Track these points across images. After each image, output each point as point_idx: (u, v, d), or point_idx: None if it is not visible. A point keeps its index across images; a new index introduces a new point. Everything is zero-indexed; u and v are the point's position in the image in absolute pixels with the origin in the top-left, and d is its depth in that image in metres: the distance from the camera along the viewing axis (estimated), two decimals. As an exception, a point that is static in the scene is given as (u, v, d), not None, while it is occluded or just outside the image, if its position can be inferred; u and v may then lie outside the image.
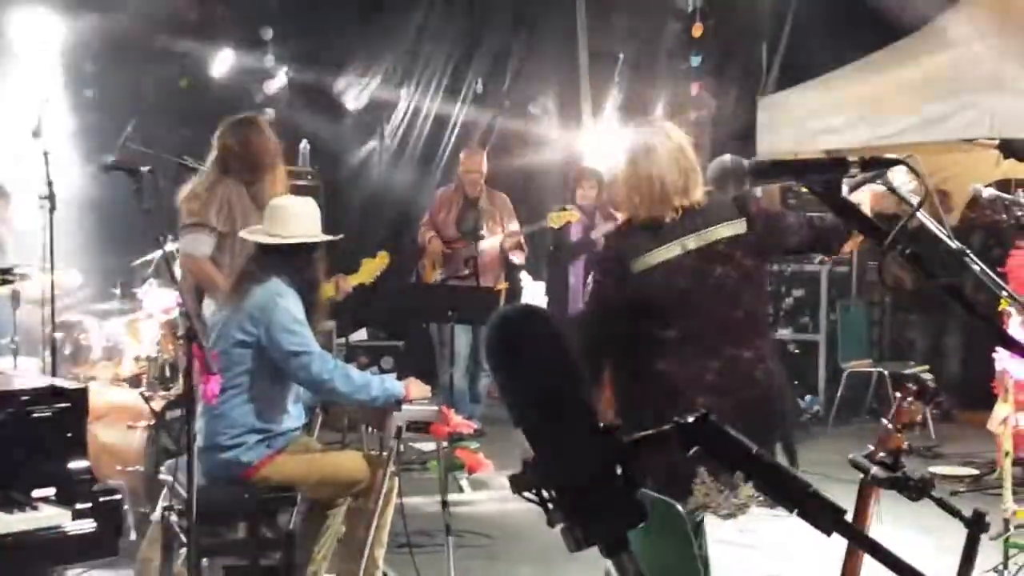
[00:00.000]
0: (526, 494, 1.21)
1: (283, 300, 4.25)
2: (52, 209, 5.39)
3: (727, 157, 1.87)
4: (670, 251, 3.80)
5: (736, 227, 3.79)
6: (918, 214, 2.32)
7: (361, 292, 5.76)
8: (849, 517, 1.55)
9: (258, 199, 5.09)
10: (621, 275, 3.84)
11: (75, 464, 3.40)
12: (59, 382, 3.81)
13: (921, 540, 5.19)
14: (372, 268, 5.73)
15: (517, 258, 8.27)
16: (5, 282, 4.25)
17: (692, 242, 3.79)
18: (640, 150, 3.88)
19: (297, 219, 4.41)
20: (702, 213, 3.81)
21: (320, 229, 4.51)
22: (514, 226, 8.10)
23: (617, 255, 3.92)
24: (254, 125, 5.32)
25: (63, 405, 3.43)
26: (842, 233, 3.79)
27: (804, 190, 1.88)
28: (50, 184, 5.41)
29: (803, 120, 8.82)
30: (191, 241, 5.03)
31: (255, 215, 5.00)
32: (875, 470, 2.30)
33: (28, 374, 5.01)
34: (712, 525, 6.05)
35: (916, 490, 2.19)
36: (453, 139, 10.96)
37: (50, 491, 3.32)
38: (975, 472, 7.15)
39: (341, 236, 4.75)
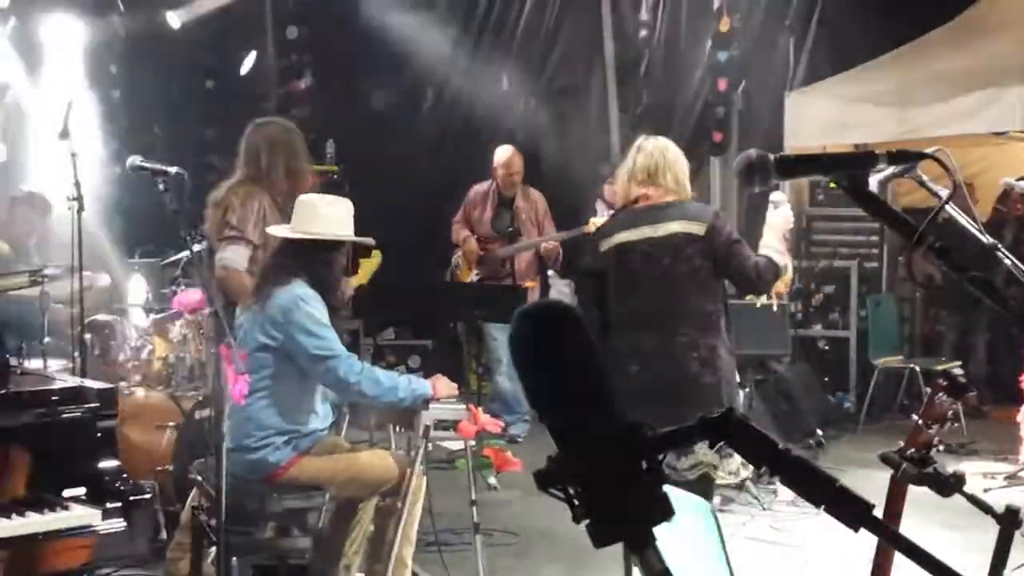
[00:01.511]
0: (551, 490, 1.20)
1: (305, 304, 4.22)
2: (80, 210, 5.41)
3: (752, 152, 1.85)
4: (630, 236, 4.43)
5: (692, 227, 4.32)
6: (948, 208, 2.29)
7: (389, 291, 5.77)
8: (880, 513, 1.54)
9: (287, 209, 5.08)
10: (593, 252, 4.54)
11: (105, 464, 3.42)
12: (88, 382, 3.82)
13: (952, 537, 5.15)
14: (369, 269, 5.71)
15: (554, 268, 8.24)
16: (34, 283, 4.27)
17: (650, 231, 4.37)
18: (633, 146, 4.66)
19: (325, 218, 4.39)
20: (669, 208, 4.38)
21: (352, 230, 4.49)
22: (551, 228, 8.08)
23: (595, 236, 4.61)
24: (287, 130, 5.32)
25: (93, 405, 3.44)
26: (771, 282, 4.36)
27: (832, 185, 1.86)
28: (78, 185, 5.43)
29: (831, 114, 8.75)
30: (232, 254, 4.95)
31: (281, 223, 5.01)
32: (906, 466, 2.28)
33: (58, 375, 5.04)
34: (743, 523, 6.06)
35: (947, 486, 2.17)
36: (480, 135, 10.95)
37: (80, 491, 3.34)
38: (1008, 468, 7.08)
39: (370, 239, 4.74)
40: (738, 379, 4.59)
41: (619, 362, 4.29)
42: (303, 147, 5.33)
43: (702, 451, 4.24)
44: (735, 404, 4.45)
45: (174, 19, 8.76)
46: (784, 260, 4.40)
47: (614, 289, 4.41)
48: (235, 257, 4.94)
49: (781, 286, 4.60)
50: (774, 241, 4.44)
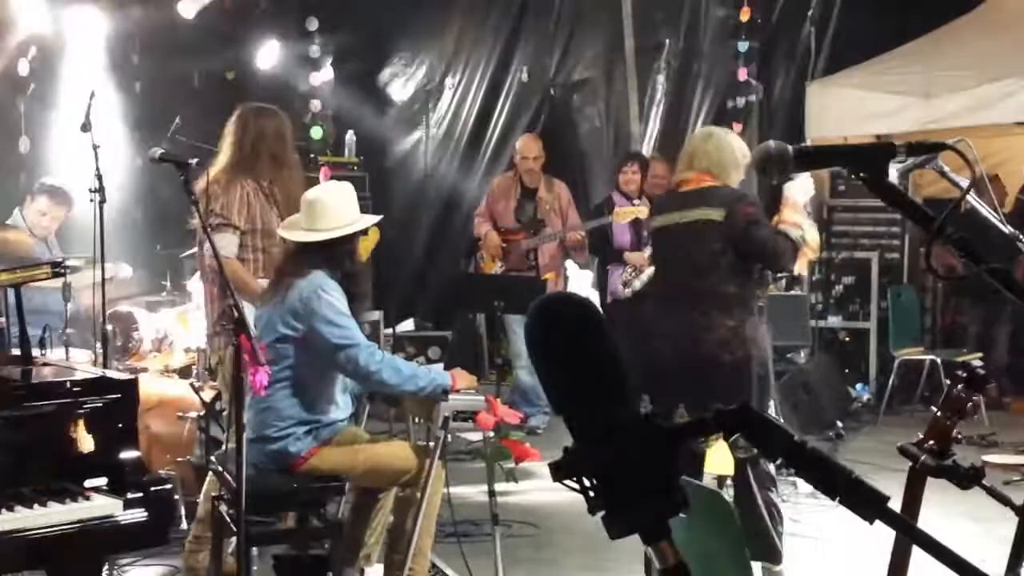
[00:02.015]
0: (567, 482, 1.20)
1: (326, 294, 4.23)
2: (102, 202, 5.43)
3: (771, 143, 1.84)
4: (665, 219, 4.67)
5: (714, 213, 4.45)
6: (969, 198, 2.28)
7: (408, 282, 5.77)
8: (898, 506, 1.54)
9: (273, 194, 5.06)
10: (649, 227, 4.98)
11: (126, 454, 3.43)
12: (110, 373, 3.85)
13: (973, 529, 5.13)
14: (367, 246, 5.68)
15: (579, 259, 8.24)
16: (56, 275, 4.29)
17: (679, 216, 4.57)
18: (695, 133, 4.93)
19: (336, 211, 4.39)
20: (700, 193, 4.51)
21: (358, 212, 4.49)
22: (576, 218, 8.07)
23: (651, 213, 5.00)
24: (274, 115, 5.25)
25: (114, 396, 3.46)
26: (790, 257, 4.47)
27: (852, 176, 1.85)
28: (99, 177, 5.45)
29: (852, 105, 8.71)
30: (220, 242, 4.80)
31: (269, 209, 4.99)
32: (924, 458, 2.27)
33: (80, 365, 5.07)
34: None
35: (966, 478, 2.16)
36: (499, 128, 10.95)
37: (102, 481, 3.36)
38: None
39: (380, 217, 4.74)
40: (771, 363, 4.60)
41: (649, 339, 4.62)
42: (289, 132, 5.25)
43: None
44: (762, 385, 4.48)
45: (187, 9, 8.77)
46: (799, 231, 4.46)
47: (653, 268, 4.82)
48: (224, 244, 4.88)
49: (810, 253, 4.65)
50: (793, 215, 4.51)
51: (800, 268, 4.98)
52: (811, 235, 4.54)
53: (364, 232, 4.64)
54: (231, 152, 5.09)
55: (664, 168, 8.92)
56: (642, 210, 7.79)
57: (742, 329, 4.44)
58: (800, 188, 4.54)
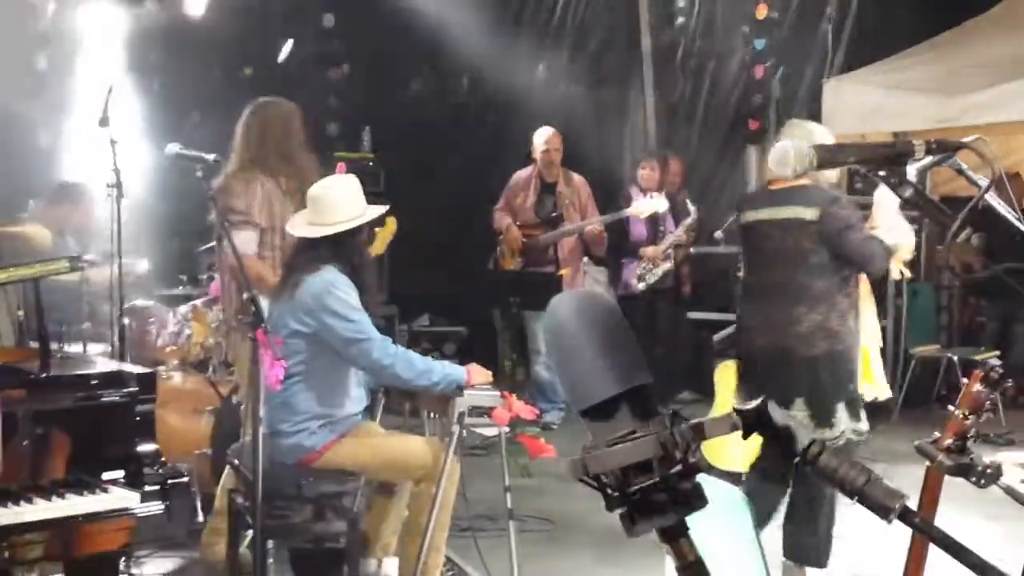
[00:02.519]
0: (585, 479, 1.21)
1: (336, 289, 4.23)
2: (120, 197, 5.46)
3: (788, 141, 1.84)
4: (756, 215, 4.72)
5: (804, 212, 4.50)
6: (988, 197, 2.27)
7: (422, 277, 5.77)
8: (915, 504, 1.54)
9: (290, 190, 5.05)
10: (737, 222, 4.96)
11: (143, 447, 3.46)
12: (127, 367, 3.86)
13: (992, 528, 5.11)
14: (385, 237, 5.66)
15: (597, 251, 8.24)
16: (74, 270, 4.31)
17: (770, 213, 4.62)
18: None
19: (340, 204, 4.37)
20: (793, 192, 4.54)
21: (364, 204, 4.47)
22: (595, 213, 8.06)
23: (737, 209, 4.97)
24: (282, 108, 5.24)
25: (132, 389, 3.48)
26: (883, 260, 4.57)
27: (870, 173, 1.85)
28: (117, 172, 5.47)
29: (870, 102, 8.67)
30: (241, 240, 4.82)
31: (288, 206, 4.99)
32: (941, 457, 2.26)
33: (97, 359, 5.09)
34: (779, 512, 6.01)
35: (984, 477, 2.16)
36: (517, 124, 10.94)
37: (119, 473, 3.38)
38: (1047, 460, 7.02)
39: (388, 207, 4.73)
40: (857, 360, 4.75)
41: (739, 331, 4.92)
42: (299, 128, 5.22)
43: (843, 421, 4.56)
44: (842, 379, 4.58)
45: (196, 5, 8.78)
46: (894, 238, 4.55)
47: (743, 262, 4.94)
48: (245, 242, 4.87)
49: (906, 254, 4.80)
50: (886, 218, 4.60)
51: (894, 271, 5.12)
52: (906, 239, 4.68)
53: (380, 223, 4.63)
54: (242, 147, 5.09)
55: (679, 166, 8.91)
56: (658, 205, 7.79)
57: (827, 324, 4.54)
58: (890, 192, 4.55)
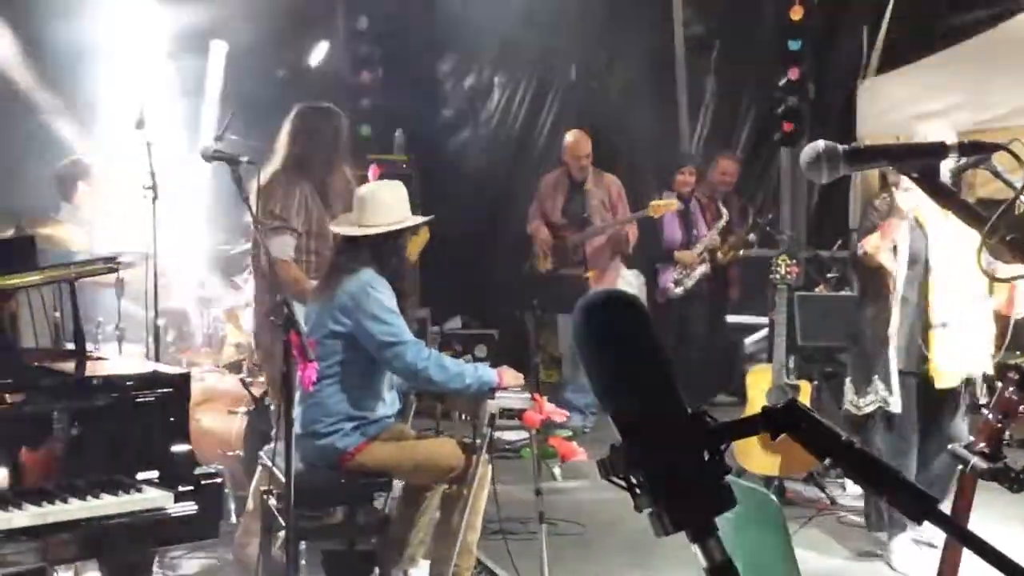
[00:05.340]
0: (613, 479, 1.21)
1: (375, 291, 4.27)
2: (155, 199, 5.50)
3: (820, 142, 1.83)
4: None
5: None
6: (1022, 199, 2.25)
7: (453, 279, 5.78)
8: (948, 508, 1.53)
9: (326, 195, 5.08)
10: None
11: (177, 448, 3.48)
12: (162, 368, 3.89)
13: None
14: (418, 244, 5.68)
15: (624, 250, 8.22)
16: (110, 271, 4.36)
17: None
18: None
19: (387, 207, 4.42)
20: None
21: (408, 211, 4.52)
22: (626, 212, 8.03)
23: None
24: (331, 115, 5.26)
25: (166, 390, 3.50)
26: None
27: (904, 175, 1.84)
28: (153, 174, 5.52)
29: (904, 104, 8.60)
30: (279, 244, 4.90)
31: (326, 213, 5.01)
32: (975, 461, 2.25)
33: (133, 360, 5.13)
34: (809, 516, 5.99)
35: (1017, 481, 2.14)
36: (548, 126, 10.95)
37: (153, 474, 3.40)
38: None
39: (432, 217, 4.76)
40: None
41: None
42: (341, 134, 5.25)
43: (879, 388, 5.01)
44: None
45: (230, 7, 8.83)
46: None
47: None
48: (282, 247, 4.91)
49: None
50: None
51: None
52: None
53: (415, 231, 4.66)
54: (286, 151, 5.11)
55: (732, 166, 8.82)
56: (673, 203, 7.75)
57: None
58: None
